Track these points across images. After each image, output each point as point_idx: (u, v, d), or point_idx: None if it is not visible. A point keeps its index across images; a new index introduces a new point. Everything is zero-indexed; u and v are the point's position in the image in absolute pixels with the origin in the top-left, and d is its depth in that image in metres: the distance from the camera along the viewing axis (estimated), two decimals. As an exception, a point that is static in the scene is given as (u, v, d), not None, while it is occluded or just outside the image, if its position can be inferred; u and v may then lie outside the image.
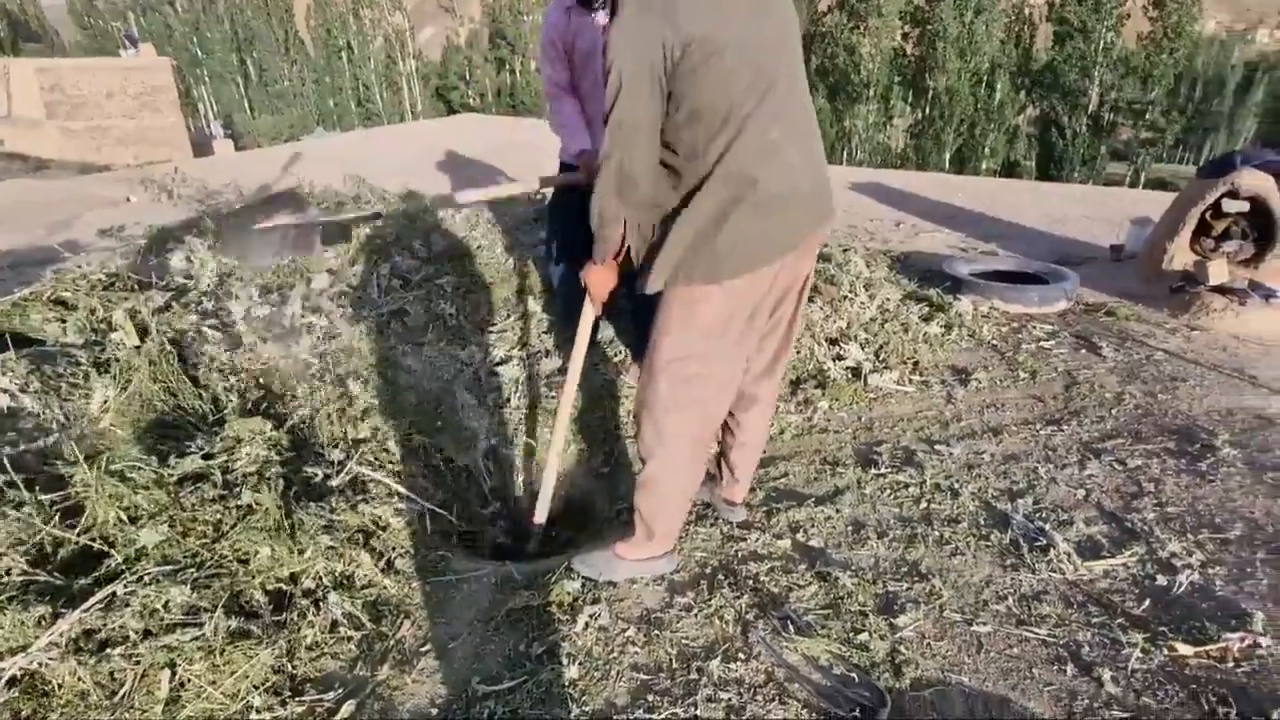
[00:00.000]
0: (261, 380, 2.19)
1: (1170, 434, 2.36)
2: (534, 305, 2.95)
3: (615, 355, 2.81)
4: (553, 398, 2.56)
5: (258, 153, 12.13)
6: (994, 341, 3.09)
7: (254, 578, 1.51)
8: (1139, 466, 2.19)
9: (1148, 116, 21.51)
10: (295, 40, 37.45)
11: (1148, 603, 1.67)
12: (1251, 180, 3.27)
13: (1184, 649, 1.52)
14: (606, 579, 1.78)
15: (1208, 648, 1.52)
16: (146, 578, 1.39)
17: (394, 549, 1.83)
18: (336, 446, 2.01)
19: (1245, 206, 3.37)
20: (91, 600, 1.31)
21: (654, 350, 1.63)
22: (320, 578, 1.65)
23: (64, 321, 2.20)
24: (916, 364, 2.84)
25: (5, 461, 1.52)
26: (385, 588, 1.73)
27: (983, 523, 1.98)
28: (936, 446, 2.35)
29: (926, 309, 3.21)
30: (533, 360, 2.71)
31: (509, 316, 2.88)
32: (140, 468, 1.56)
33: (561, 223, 2.75)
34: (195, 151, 22.92)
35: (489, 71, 34.83)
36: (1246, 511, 1.96)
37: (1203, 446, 2.27)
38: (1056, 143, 21.96)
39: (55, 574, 1.38)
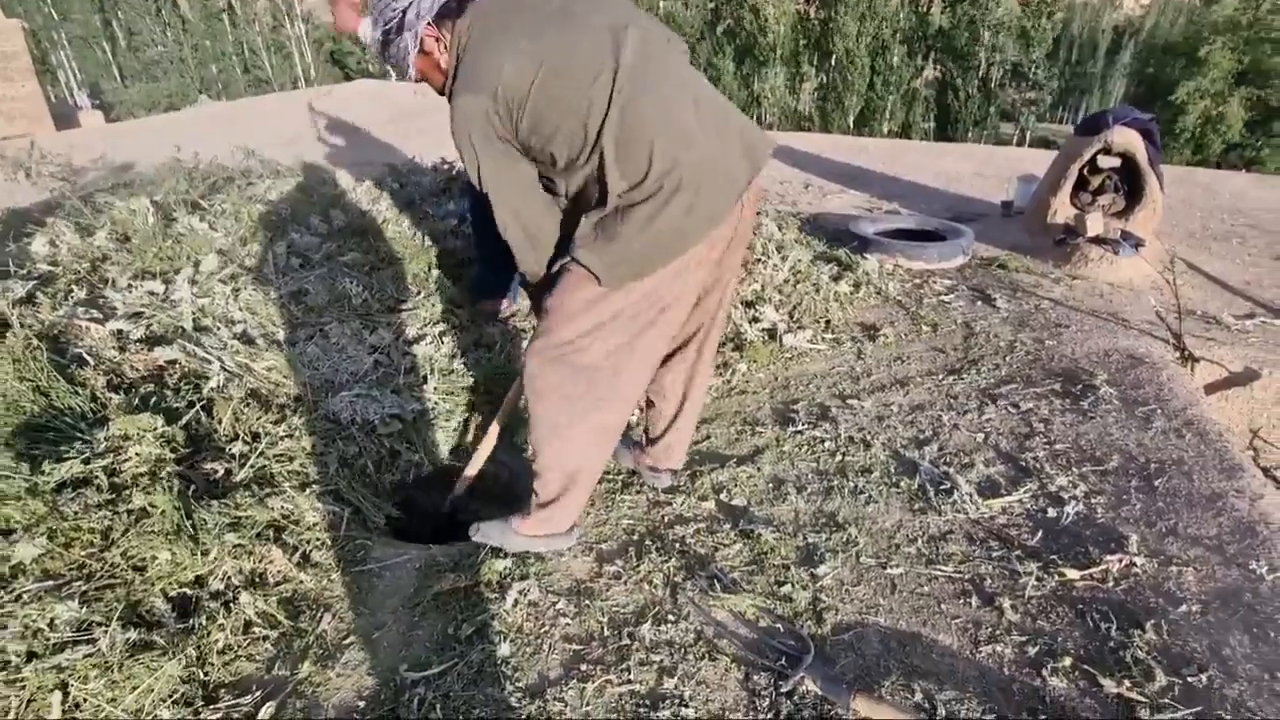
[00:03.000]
0: (150, 374, 2.03)
1: (1056, 377, 2.54)
2: (446, 280, 2.86)
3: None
4: (470, 372, 2.50)
5: (129, 124, 11.16)
6: (899, 298, 3.23)
7: (153, 585, 1.41)
8: (1030, 409, 2.35)
9: (1030, 78, 22.72)
10: (169, 2, 34.32)
11: (1040, 534, 1.80)
12: (1121, 138, 3.51)
13: (1072, 573, 1.66)
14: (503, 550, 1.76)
15: (1091, 570, 1.66)
16: (26, 596, 1.27)
17: (309, 542, 1.75)
18: (238, 439, 1.90)
19: (1117, 162, 3.62)
20: None
21: (548, 330, 1.52)
22: (229, 578, 1.57)
23: (-93, 320, 1.97)
24: (828, 323, 2.93)
25: None
26: (301, 582, 1.66)
27: (893, 471, 2.07)
28: (849, 401, 2.44)
29: (836, 269, 3.30)
30: (446, 336, 2.63)
31: (419, 293, 2.77)
32: (9, 476, 1.42)
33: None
34: (58, 124, 20.80)
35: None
36: (1122, 444, 2.14)
37: (1084, 387, 2.45)
38: (951, 104, 22.91)
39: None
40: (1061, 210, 3.77)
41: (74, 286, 2.35)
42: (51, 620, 1.25)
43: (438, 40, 1.48)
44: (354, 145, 6.74)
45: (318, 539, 1.79)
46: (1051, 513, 1.87)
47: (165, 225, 2.97)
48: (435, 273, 2.89)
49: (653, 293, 1.51)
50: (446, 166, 4.11)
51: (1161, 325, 2.89)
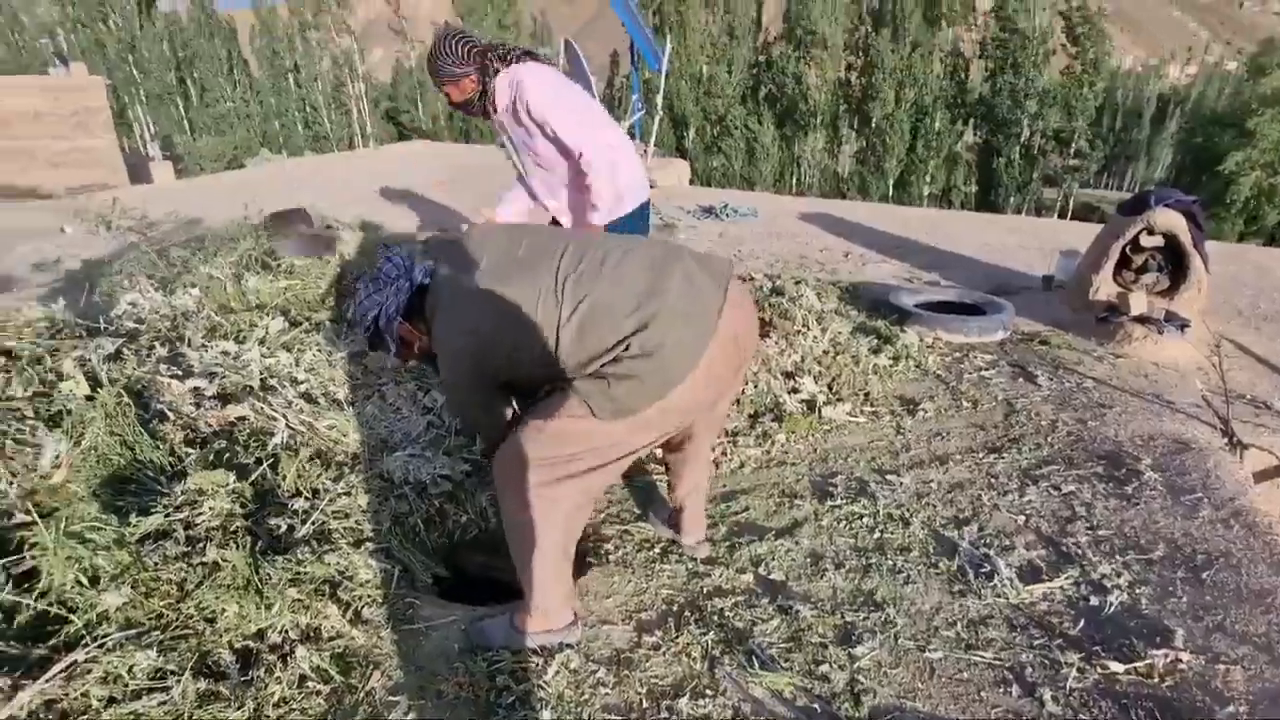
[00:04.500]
0: (221, 429, 2.16)
1: (1100, 459, 2.52)
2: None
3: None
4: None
5: (199, 180, 11.85)
6: (939, 372, 3.25)
7: (221, 636, 1.49)
8: (1072, 491, 2.34)
9: (1073, 145, 22.77)
10: (239, 61, 36.69)
11: (1082, 623, 1.79)
12: (1164, 219, 3.53)
13: (1115, 666, 1.64)
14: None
15: (1136, 665, 1.64)
16: (110, 643, 1.37)
17: (361, 599, 1.82)
18: (300, 496, 2.00)
19: (1160, 242, 3.63)
20: (53, 670, 1.29)
21: (529, 442, 1.57)
22: (286, 632, 1.65)
23: (8, 373, 2.14)
24: (867, 395, 2.97)
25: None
26: (353, 639, 1.73)
27: (932, 551, 2.08)
28: (888, 476, 2.46)
29: (875, 341, 3.35)
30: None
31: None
32: (100, 527, 1.53)
33: None
34: (131, 175, 22.15)
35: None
36: (1167, 533, 2.12)
37: (1128, 471, 2.43)
38: (994, 169, 23.03)
39: (12, 642, 1.35)
40: (1104, 287, 3.77)
41: (156, 344, 2.52)
42: (130, 668, 1.34)
43: (412, 332, 1.76)
44: (408, 204, 7.07)
45: (369, 596, 1.86)
46: (1094, 601, 1.86)
47: (237, 284, 3.17)
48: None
49: (640, 424, 1.56)
50: (498, 231, 4.30)
51: (1208, 409, 2.87)
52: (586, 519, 1.76)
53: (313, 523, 1.90)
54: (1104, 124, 25.18)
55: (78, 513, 1.59)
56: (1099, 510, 2.24)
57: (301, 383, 2.56)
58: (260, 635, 1.61)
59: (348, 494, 2.12)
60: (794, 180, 26.13)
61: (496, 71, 2.53)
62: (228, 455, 2.03)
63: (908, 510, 2.27)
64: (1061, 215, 22.39)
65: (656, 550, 2.13)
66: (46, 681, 1.28)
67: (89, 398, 2.07)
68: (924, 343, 3.45)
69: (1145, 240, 3.66)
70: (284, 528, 1.85)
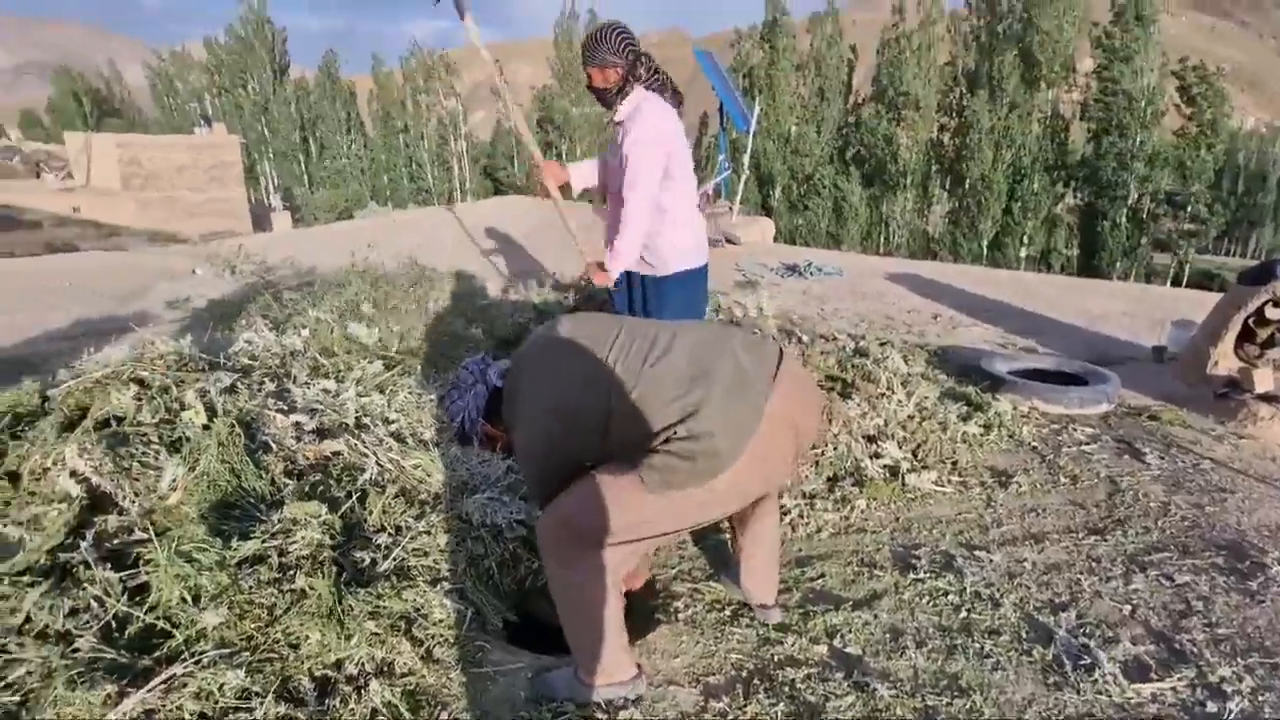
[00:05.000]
0: (317, 462, 2.29)
1: (1219, 549, 2.31)
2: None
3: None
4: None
5: (314, 230, 12.80)
6: (1034, 443, 3.08)
7: (303, 663, 1.55)
8: (1187, 583, 2.14)
9: (1189, 210, 21.49)
10: (356, 121, 39.90)
11: (1200, 734, 1.61)
12: (1293, 289, 3.27)
13: (1241, 788, 1.47)
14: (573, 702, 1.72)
15: (1266, 788, 1.46)
16: (205, 659, 1.45)
17: (434, 637, 1.86)
18: (384, 531, 2.08)
19: (1288, 314, 3.36)
20: (154, 681, 1.37)
21: (577, 508, 1.60)
22: (363, 664, 1.69)
23: (140, 400, 2.35)
24: (955, 464, 2.84)
25: (86, 543, 1.61)
26: (424, 677, 1.76)
27: (1025, 636, 1.94)
28: (976, 552, 2.33)
29: (965, 407, 3.22)
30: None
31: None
32: (206, 549, 1.64)
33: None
34: (255, 223, 24.30)
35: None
36: (1303, 638, 1.90)
37: (1252, 564, 2.21)
38: (1098, 232, 21.95)
39: (122, 651, 1.45)
40: (1224, 361, 3.51)
41: (266, 380, 2.71)
42: (221, 685, 1.41)
43: (494, 431, 1.85)
44: (500, 256, 7.40)
45: (442, 635, 1.90)
46: (1212, 707, 1.68)
47: (341, 327, 3.39)
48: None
49: (690, 502, 1.57)
50: (585, 283, 4.44)
51: (1350, 500, 2.58)
52: (634, 565, 1.76)
53: (393, 558, 1.96)
54: (1224, 187, 23.70)
55: (187, 533, 1.71)
56: (1218, 606, 2.04)
57: (392, 422, 2.68)
58: (338, 665, 1.67)
59: (428, 533, 2.18)
60: (882, 240, 25.76)
61: (639, 79, 2.63)
62: (321, 488, 2.15)
63: (998, 590, 2.13)
64: (1175, 283, 21.01)
65: (727, 612, 2.08)
66: (148, 691, 1.36)
67: (205, 427, 2.24)
68: (1018, 412, 3.28)
69: (1271, 312, 3.39)
70: (367, 561, 1.92)
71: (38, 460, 2.04)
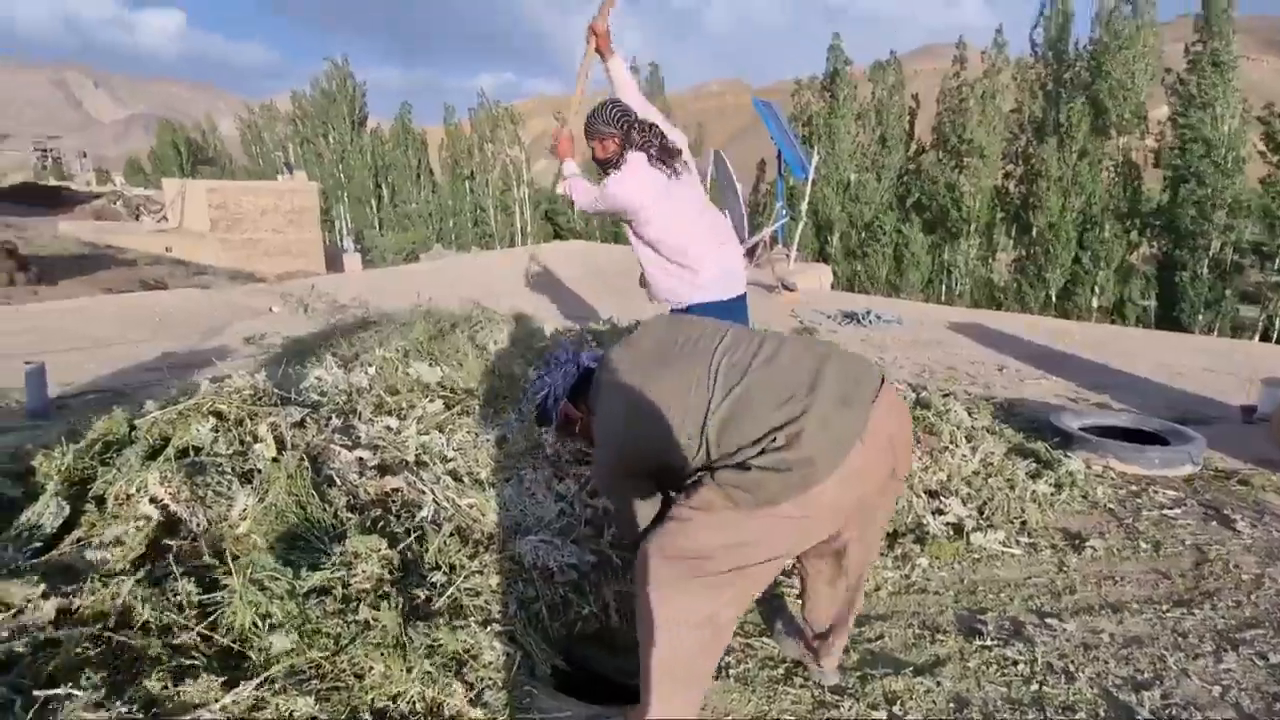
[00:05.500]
0: (378, 498, 2.35)
1: (1323, 630, 2.12)
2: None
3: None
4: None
5: (382, 270, 13.33)
6: (1110, 505, 2.92)
7: (365, 694, 1.57)
8: (1287, 666, 1.97)
9: (1277, 261, 20.36)
10: (426, 168, 41.85)
11: (1309, 838, 1.46)
12: (1399, 348, 3.05)
13: None
14: None
15: None
16: (278, 685, 1.48)
17: (484, 680, 1.85)
18: (439, 569, 2.10)
19: (1395, 375, 3.13)
20: (248, 686, 1.42)
21: (673, 535, 1.57)
22: (414, 702, 1.70)
23: (216, 431, 2.46)
24: (1024, 524, 2.71)
25: (170, 556, 1.69)
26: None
27: (1103, 715, 1.81)
28: (1048, 620, 2.20)
29: (1034, 465, 3.08)
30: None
31: (606, 447, 2.98)
32: (276, 577, 1.69)
33: None
34: (328, 263, 25.56)
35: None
36: None
37: (1365, 649, 2.02)
38: (1177, 283, 20.96)
39: (201, 674, 1.49)
40: (1320, 423, 3.27)
41: (333, 415, 2.81)
42: (291, 712, 1.44)
43: (575, 412, 1.89)
44: (557, 300, 7.55)
45: (491, 679, 1.89)
46: (1323, 811, 1.52)
47: (405, 365, 3.50)
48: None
49: (780, 521, 1.52)
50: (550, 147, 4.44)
51: None
52: (727, 639, 1.68)
53: (448, 596, 1.98)
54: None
55: (258, 562, 1.77)
56: (1324, 693, 1.86)
57: (450, 460, 2.73)
58: (395, 699, 1.68)
59: (481, 572, 2.20)
60: (943, 288, 25.22)
61: (635, 144, 2.87)
62: (381, 523, 2.19)
63: (1072, 662, 2.00)
64: (1264, 338, 19.81)
65: (780, 670, 2.01)
66: (249, 688, 1.41)
67: (274, 459, 2.33)
68: (1092, 471, 3.12)
69: (1374, 373, 3.16)
70: (422, 598, 1.94)
71: (122, 486, 2.15)
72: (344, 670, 1.59)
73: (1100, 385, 4.61)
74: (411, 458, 2.68)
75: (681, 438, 1.58)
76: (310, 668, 1.57)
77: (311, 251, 25.89)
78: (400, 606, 1.78)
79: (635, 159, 2.86)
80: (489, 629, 2.00)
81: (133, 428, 2.52)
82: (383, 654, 1.62)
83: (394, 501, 2.38)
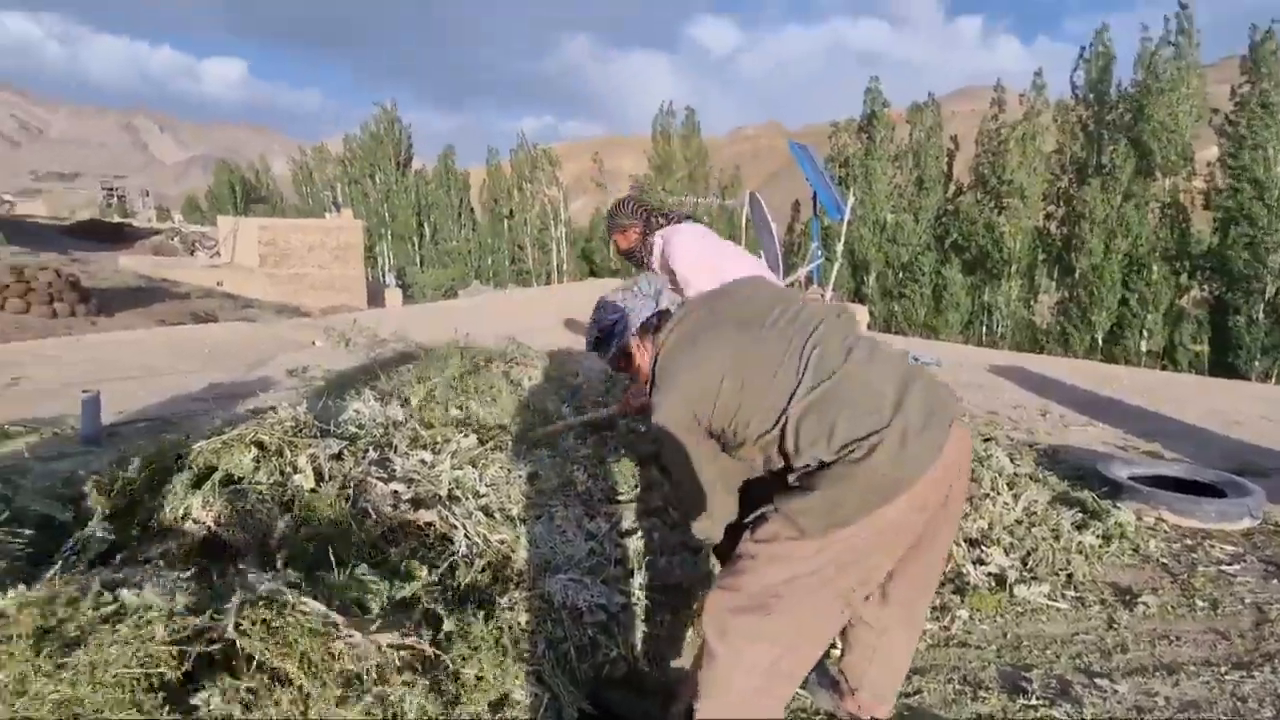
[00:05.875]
0: (413, 531, 2.36)
1: (1401, 701, 1.98)
2: (662, 478, 3.03)
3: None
4: (675, 573, 2.56)
5: (422, 306, 13.63)
6: (1163, 560, 2.79)
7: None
8: (1362, 739, 1.84)
9: (1339, 306, 19.58)
10: (467, 207, 42.99)
11: None
12: None
13: None
14: None
15: None
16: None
17: (512, 721, 1.83)
18: (469, 604, 2.10)
19: None
20: None
21: (737, 581, 1.56)
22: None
23: (258, 461, 2.52)
24: (1070, 577, 2.61)
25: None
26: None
27: (1160, 785, 1.71)
28: (1098, 680, 2.10)
29: (1080, 515, 2.97)
30: (657, 532, 2.75)
31: (638, 488, 2.96)
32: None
33: None
34: (370, 298, 26.25)
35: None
36: None
37: None
38: (1231, 328, 20.24)
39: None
40: (1390, 478, 3.10)
41: (370, 448, 2.86)
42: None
43: (639, 349, 1.83)
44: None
45: (519, 719, 1.86)
46: None
47: (443, 401, 3.55)
48: (654, 468, 3.09)
49: (852, 542, 1.49)
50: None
51: None
52: (789, 694, 1.64)
53: (491, 630, 1.97)
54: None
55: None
56: (1405, 771, 1.73)
57: (482, 496, 2.74)
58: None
59: (511, 609, 2.19)
60: (983, 330, 24.77)
61: (657, 228, 2.97)
62: (417, 555, 2.21)
63: (1125, 726, 1.90)
64: (1326, 385, 18.93)
65: (814, 723, 1.95)
66: None
67: (312, 490, 2.37)
68: (1143, 523, 3.00)
69: None
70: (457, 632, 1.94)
71: (167, 514, 2.21)
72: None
73: (1150, 433, 4.45)
74: (444, 492, 2.70)
75: (760, 408, 1.55)
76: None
77: (354, 287, 26.65)
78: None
79: (669, 230, 2.96)
80: (518, 668, 1.98)
81: (179, 456, 2.60)
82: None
83: (428, 535, 2.39)
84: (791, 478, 1.55)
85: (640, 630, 2.33)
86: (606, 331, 1.86)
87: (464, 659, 1.75)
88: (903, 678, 1.87)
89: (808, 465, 1.50)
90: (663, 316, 1.80)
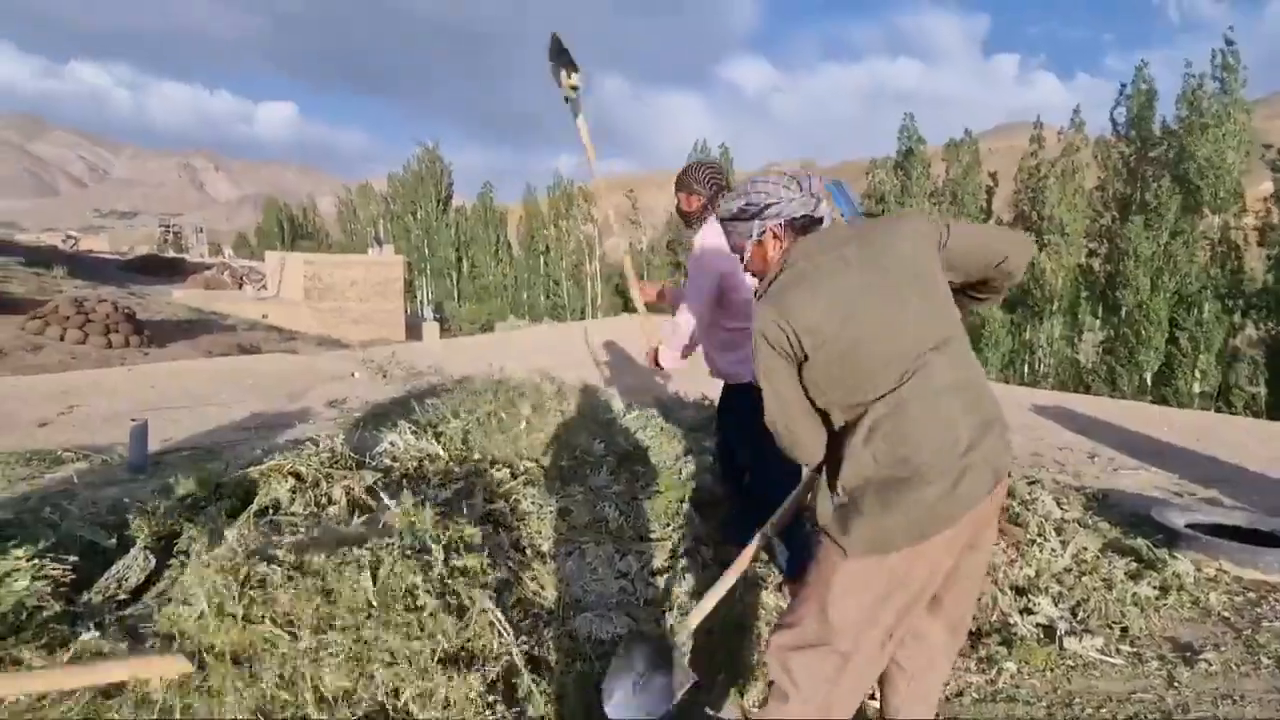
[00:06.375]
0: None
1: None
2: (696, 517, 2.99)
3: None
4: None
5: (459, 340, 13.84)
6: (1225, 614, 2.64)
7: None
8: None
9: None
10: (504, 243, 43.89)
11: None
12: None
13: None
14: None
15: None
16: None
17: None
18: (501, 640, 2.07)
19: None
20: None
21: (788, 627, 1.57)
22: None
23: (295, 492, 2.55)
24: (1125, 631, 2.47)
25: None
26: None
27: None
28: (1158, 743, 1.97)
29: (1134, 564, 2.83)
30: (689, 573, 2.69)
31: (670, 526, 2.92)
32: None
33: (724, 432, 2.89)
34: (408, 332, 26.78)
35: (665, 273, 38.15)
36: None
37: None
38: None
39: None
40: None
41: (404, 480, 2.87)
42: None
43: (776, 240, 1.63)
44: (626, 372, 7.61)
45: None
46: None
47: (477, 434, 3.56)
48: (687, 507, 3.04)
49: (884, 576, 1.48)
50: (708, 403, 4.45)
51: None
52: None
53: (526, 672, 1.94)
54: None
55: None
56: None
57: (514, 530, 2.73)
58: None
59: (541, 645, 2.16)
60: (1025, 368, 24.18)
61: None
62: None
63: (1190, 795, 1.78)
64: (1395, 429, 17.93)
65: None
66: None
67: (345, 523, 2.38)
68: (1202, 574, 2.84)
69: None
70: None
71: (205, 542, 2.23)
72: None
73: (1207, 478, 4.25)
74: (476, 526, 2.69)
75: (850, 392, 1.50)
76: None
77: (394, 321, 27.25)
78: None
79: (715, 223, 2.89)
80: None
81: (219, 485, 2.64)
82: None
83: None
84: (840, 492, 1.52)
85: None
86: (752, 209, 1.63)
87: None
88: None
89: (865, 480, 1.48)
90: (813, 222, 1.64)
